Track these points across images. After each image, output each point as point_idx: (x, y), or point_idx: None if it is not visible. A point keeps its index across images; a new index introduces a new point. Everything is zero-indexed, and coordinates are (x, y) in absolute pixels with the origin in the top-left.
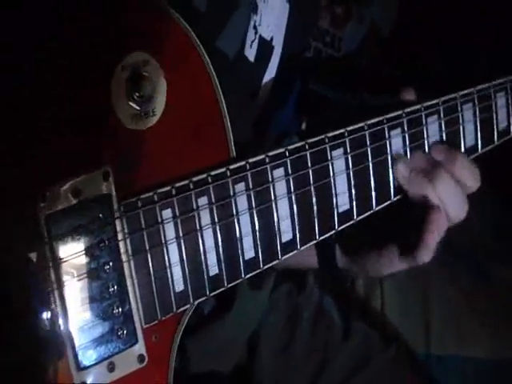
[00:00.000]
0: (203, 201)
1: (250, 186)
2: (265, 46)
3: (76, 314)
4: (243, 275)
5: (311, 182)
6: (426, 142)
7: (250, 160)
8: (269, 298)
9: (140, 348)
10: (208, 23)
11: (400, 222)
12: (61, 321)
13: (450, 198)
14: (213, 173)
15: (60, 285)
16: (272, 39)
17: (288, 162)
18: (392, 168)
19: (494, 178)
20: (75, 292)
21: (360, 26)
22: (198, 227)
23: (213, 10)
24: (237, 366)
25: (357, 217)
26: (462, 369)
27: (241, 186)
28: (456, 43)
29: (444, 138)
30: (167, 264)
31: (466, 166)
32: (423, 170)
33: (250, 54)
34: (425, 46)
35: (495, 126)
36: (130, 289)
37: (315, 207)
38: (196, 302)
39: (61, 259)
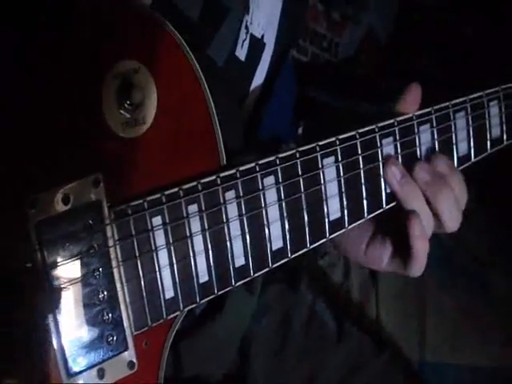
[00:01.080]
0: (193, 208)
1: (241, 194)
2: (256, 44)
3: (66, 319)
4: (233, 283)
5: (302, 190)
6: (418, 150)
7: (241, 168)
8: (260, 299)
9: (130, 355)
10: (200, 31)
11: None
12: (51, 326)
13: (450, 211)
14: (203, 180)
15: (50, 291)
16: (263, 36)
17: (278, 170)
18: (383, 176)
19: (491, 188)
20: (65, 298)
21: (357, 31)
22: (187, 234)
23: (205, 18)
24: (229, 371)
25: (348, 225)
26: (458, 377)
27: (231, 194)
28: (454, 50)
29: (436, 146)
30: (157, 271)
31: (462, 182)
32: (426, 183)
33: (241, 53)
34: (422, 54)
35: (488, 135)
36: (119, 295)
37: (306, 215)
38: (186, 309)
39: (51, 265)
